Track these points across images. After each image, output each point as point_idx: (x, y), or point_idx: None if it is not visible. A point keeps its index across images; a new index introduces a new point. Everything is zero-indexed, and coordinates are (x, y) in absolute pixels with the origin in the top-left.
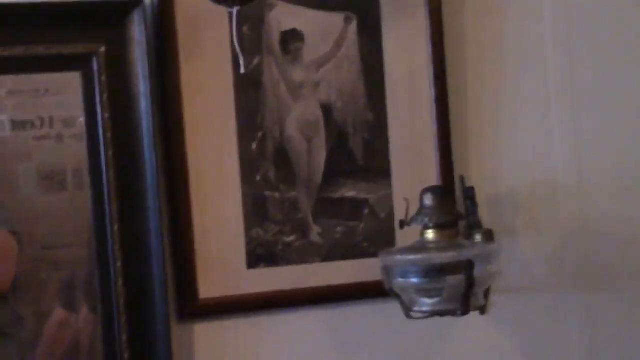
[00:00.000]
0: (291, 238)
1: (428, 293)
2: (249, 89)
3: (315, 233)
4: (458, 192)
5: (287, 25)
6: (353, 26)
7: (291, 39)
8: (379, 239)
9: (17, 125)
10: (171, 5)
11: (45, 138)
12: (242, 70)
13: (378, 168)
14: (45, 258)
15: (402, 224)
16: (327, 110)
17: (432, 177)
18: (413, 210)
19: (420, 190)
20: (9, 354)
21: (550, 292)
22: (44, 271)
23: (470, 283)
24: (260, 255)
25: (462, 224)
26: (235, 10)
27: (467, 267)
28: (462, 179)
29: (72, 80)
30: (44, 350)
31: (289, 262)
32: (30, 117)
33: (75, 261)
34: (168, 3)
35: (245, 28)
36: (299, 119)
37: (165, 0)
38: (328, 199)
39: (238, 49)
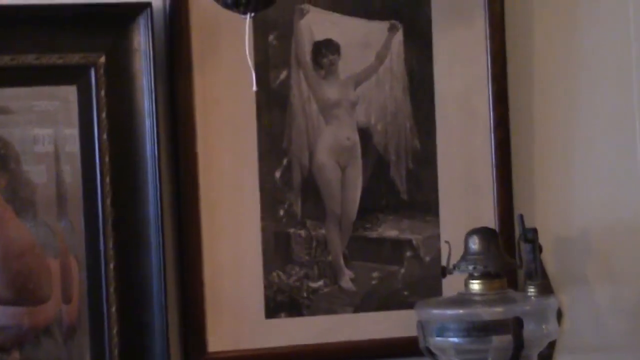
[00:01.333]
0: (318, 283)
1: (470, 355)
2: (273, 108)
3: (347, 278)
4: (518, 234)
5: (321, 35)
6: (398, 36)
7: (325, 50)
8: (422, 288)
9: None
10: (184, 10)
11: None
12: (254, 88)
13: (424, 203)
14: None
15: (444, 272)
16: (365, 134)
17: (488, 216)
18: (458, 255)
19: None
20: None
21: (629, 351)
22: None
23: (519, 344)
24: (280, 302)
25: (522, 273)
26: (249, 17)
27: (514, 325)
28: (521, 218)
29: (67, 95)
30: None
31: (314, 311)
32: (16, 136)
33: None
34: (180, 7)
35: (271, 37)
36: (331, 144)
37: (177, 3)
38: (363, 238)
39: (250, 61)
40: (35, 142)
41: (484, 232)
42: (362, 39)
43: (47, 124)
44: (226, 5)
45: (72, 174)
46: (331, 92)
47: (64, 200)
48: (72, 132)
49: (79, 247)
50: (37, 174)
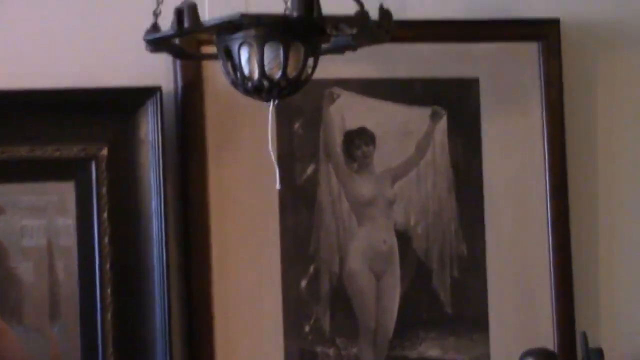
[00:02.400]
0: None
1: None
2: (299, 207)
3: None
4: (581, 356)
5: (353, 123)
6: (442, 124)
7: (358, 140)
8: None
9: None
10: (198, 94)
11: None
12: (278, 186)
13: (471, 318)
14: None
15: None
16: (404, 237)
17: (546, 334)
18: None
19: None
20: None
21: None
22: None
23: None
24: None
25: None
26: (272, 104)
27: None
28: (584, 336)
29: (64, 192)
30: None
31: None
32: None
33: None
34: (194, 91)
35: (297, 125)
36: (365, 248)
37: (190, 87)
38: (402, 358)
39: (272, 154)
40: (23, 236)
41: (541, 354)
42: (400, 127)
43: (39, 227)
44: (247, 92)
45: (66, 275)
46: (365, 188)
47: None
48: (67, 230)
49: (75, 356)
50: (25, 270)
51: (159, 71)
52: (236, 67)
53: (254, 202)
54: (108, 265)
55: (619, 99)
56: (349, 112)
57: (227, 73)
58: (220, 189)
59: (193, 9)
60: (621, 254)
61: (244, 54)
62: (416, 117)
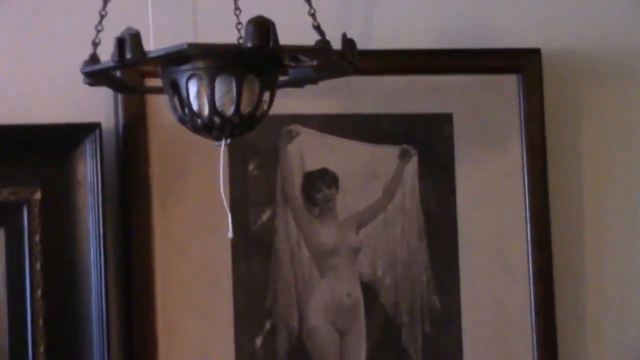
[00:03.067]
0: None
1: None
2: (253, 257)
3: None
4: None
5: (314, 164)
6: (412, 165)
7: (319, 183)
8: None
9: None
10: (142, 131)
11: None
12: (230, 234)
13: None
14: None
15: None
16: (370, 289)
17: None
18: None
19: None
20: None
21: None
22: None
23: None
24: None
25: None
26: (224, 144)
27: None
28: None
29: None
30: None
31: None
32: None
33: None
34: (137, 128)
35: (251, 167)
36: (327, 302)
37: (132, 123)
38: None
39: (224, 198)
40: None
41: None
42: (366, 168)
43: None
44: (196, 129)
45: None
46: (327, 235)
47: None
48: None
49: None
50: None
51: (98, 107)
52: (184, 102)
53: (204, 252)
54: (41, 321)
55: (603, 135)
56: (309, 151)
57: (174, 109)
58: (166, 237)
59: (136, 39)
60: (608, 311)
61: (193, 88)
62: (383, 157)
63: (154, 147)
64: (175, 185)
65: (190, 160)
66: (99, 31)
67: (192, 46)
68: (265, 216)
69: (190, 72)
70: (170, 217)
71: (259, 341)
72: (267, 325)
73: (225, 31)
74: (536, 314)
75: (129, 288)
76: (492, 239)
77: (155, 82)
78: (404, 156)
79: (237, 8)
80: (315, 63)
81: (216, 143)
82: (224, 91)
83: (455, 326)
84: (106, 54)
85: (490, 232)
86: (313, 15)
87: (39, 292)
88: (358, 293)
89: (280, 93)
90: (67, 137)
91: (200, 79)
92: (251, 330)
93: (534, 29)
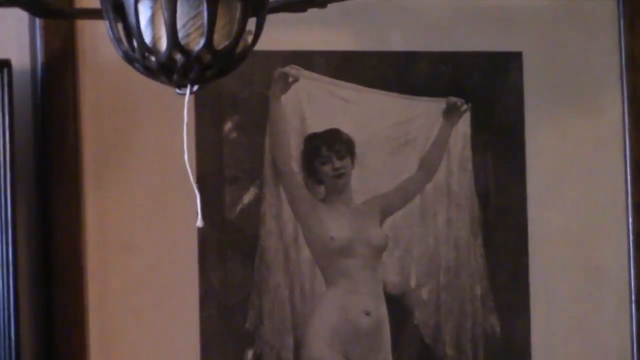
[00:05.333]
0: None
1: None
2: (230, 255)
3: None
4: None
5: (320, 123)
6: (463, 126)
7: (327, 151)
8: None
9: None
10: (69, 76)
11: None
12: (199, 223)
13: None
14: None
15: None
16: (399, 305)
17: None
18: None
19: None
20: None
21: None
22: None
23: None
24: None
25: None
26: (188, 93)
27: None
28: None
29: None
30: None
31: None
32: None
33: None
34: (64, 70)
35: (228, 126)
36: (337, 324)
37: (57, 64)
38: None
39: (189, 173)
40: None
41: None
42: (395, 131)
43: None
44: (148, 71)
45: None
46: (338, 227)
47: None
48: None
49: None
50: None
51: (8, 39)
52: (132, 31)
53: (158, 249)
54: None
55: None
56: (312, 105)
57: (118, 41)
58: (104, 228)
59: None
60: None
61: (145, 11)
62: (421, 115)
63: (87, 98)
64: (118, 154)
65: (140, 116)
66: None
67: None
68: (247, 198)
69: None
70: (110, 200)
71: None
72: (249, 355)
73: None
74: (639, 343)
75: (49, 302)
76: (576, 237)
77: (90, 2)
78: (450, 113)
79: None
80: None
81: (178, 91)
82: (190, 15)
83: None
84: None
85: (574, 226)
86: None
87: None
88: (382, 311)
89: (272, 20)
90: None
91: None
92: (228, 355)
93: None
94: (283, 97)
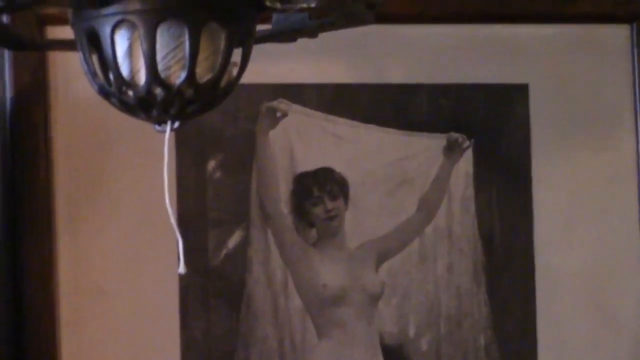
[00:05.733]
0: None
1: None
2: (213, 305)
3: None
4: None
5: (311, 162)
6: (465, 164)
7: (319, 192)
8: None
9: None
10: (41, 111)
11: None
12: (181, 269)
13: None
14: None
15: None
16: (395, 355)
17: None
18: None
19: None
20: None
21: None
22: None
23: None
24: None
25: None
26: (168, 130)
27: None
28: None
29: None
30: None
31: None
32: None
33: None
34: (34, 105)
35: (212, 165)
36: None
37: (27, 98)
38: None
39: (170, 215)
40: None
41: None
42: (392, 169)
43: None
44: (125, 106)
45: None
46: (331, 274)
47: None
48: None
49: None
50: None
51: None
52: (108, 63)
53: (135, 295)
54: None
55: None
56: (302, 142)
57: (93, 74)
58: (78, 272)
59: None
60: None
61: (122, 42)
62: (420, 152)
63: (60, 134)
64: (93, 194)
65: (117, 154)
66: None
67: None
68: (232, 243)
69: (117, 17)
70: (85, 243)
71: None
72: None
73: None
74: None
75: (22, 354)
76: (589, 281)
77: (64, 33)
78: (451, 150)
79: None
80: (313, 4)
81: (157, 127)
82: (171, 47)
83: None
84: None
85: (587, 270)
86: None
87: None
88: None
89: (259, 52)
90: None
91: (133, 27)
92: None
93: None
94: (271, 133)
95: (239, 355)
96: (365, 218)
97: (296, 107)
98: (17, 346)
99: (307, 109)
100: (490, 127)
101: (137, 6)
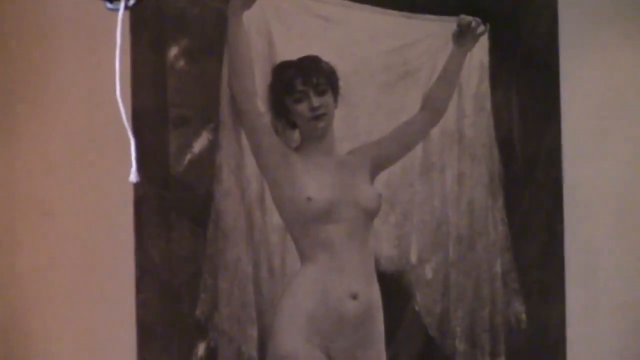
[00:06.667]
0: None
1: None
2: (174, 222)
3: None
4: None
5: (294, 49)
6: (479, 53)
7: (303, 84)
8: None
9: None
10: None
11: None
12: (133, 178)
13: None
14: None
15: None
16: (395, 286)
17: None
18: None
19: None
20: None
21: None
22: None
23: None
24: None
25: None
26: (121, 9)
27: None
28: None
29: None
30: None
31: None
32: None
33: None
34: None
35: (174, 52)
36: (314, 310)
37: None
38: None
39: (123, 116)
40: None
41: None
42: (392, 59)
43: None
44: None
45: None
46: (316, 184)
47: None
48: None
49: None
50: None
51: None
52: None
53: (82, 213)
54: None
55: None
56: (283, 25)
57: None
58: (14, 187)
59: None
60: None
61: None
62: (425, 39)
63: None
64: (32, 91)
65: (60, 41)
66: None
67: None
68: (198, 146)
69: None
70: (22, 152)
71: None
72: (200, 350)
73: None
74: None
75: None
76: (624, 195)
77: None
78: (463, 37)
79: None
80: None
81: (109, 5)
82: None
83: (557, 355)
84: None
85: (621, 182)
86: None
87: None
88: (373, 294)
89: None
90: None
91: None
92: (170, 357)
93: None
94: (245, 14)
95: (205, 282)
96: (358, 117)
97: None
98: None
99: None
100: (510, 10)
101: None
